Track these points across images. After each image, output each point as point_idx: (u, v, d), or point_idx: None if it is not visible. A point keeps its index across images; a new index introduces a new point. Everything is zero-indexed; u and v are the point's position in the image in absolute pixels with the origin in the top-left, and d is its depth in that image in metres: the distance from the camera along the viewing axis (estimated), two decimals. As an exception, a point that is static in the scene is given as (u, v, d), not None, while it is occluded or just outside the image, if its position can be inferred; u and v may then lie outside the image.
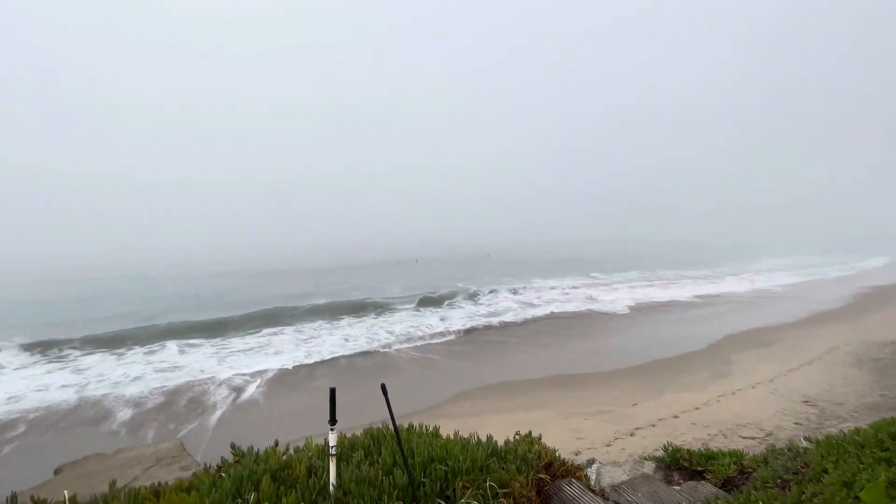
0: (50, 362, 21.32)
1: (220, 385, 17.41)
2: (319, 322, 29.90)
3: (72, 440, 13.11)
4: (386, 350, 22.40)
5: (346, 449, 3.67)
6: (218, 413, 14.85)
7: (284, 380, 18.08)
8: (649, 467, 5.22)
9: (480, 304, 37.15)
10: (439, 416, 13.57)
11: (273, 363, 20.06)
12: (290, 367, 19.51)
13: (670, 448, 5.37)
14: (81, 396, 16.46)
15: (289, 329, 27.95)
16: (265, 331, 27.51)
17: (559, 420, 12.56)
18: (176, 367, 20.01)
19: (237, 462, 3.66)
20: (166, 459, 10.02)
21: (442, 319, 29.81)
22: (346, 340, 24.43)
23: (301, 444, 3.97)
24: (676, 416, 12.57)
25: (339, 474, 3.01)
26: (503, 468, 3.40)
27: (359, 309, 34.36)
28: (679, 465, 5.14)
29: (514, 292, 42.54)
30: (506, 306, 35.30)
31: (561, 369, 17.78)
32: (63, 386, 17.60)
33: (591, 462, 6.03)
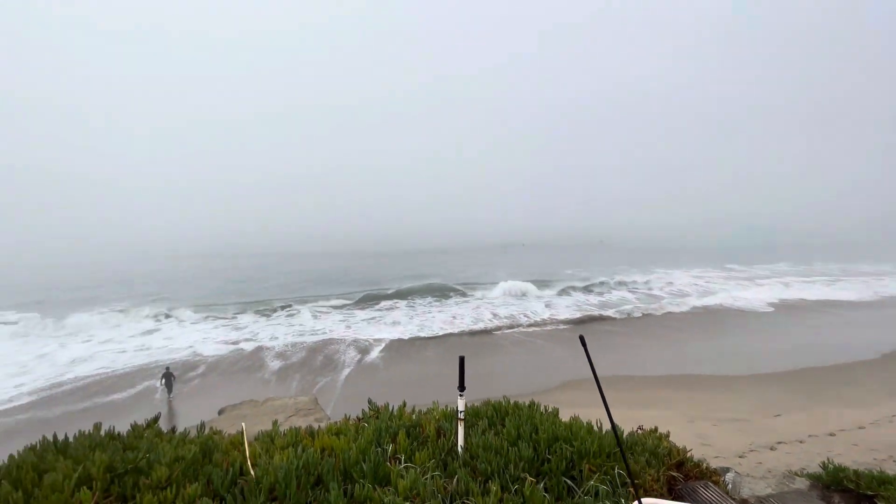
0: (216, 319, 26.06)
1: (348, 346, 19.66)
2: (429, 299, 31.60)
3: (232, 384, 15.87)
4: (493, 331, 22.79)
5: (471, 416, 3.85)
6: (346, 371, 16.73)
7: (401, 349, 19.62)
8: (802, 484, 4.55)
9: (592, 292, 35.45)
10: (546, 402, 13.42)
11: (391, 333, 21.84)
12: (405, 338, 21.07)
13: (831, 466, 4.59)
14: (239, 349, 19.87)
15: (402, 303, 30.12)
16: (383, 304, 30.06)
17: (682, 423, 11.54)
18: (311, 330, 22.96)
19: (374, 416, 4.09)
20: (303, 411, 11.61)
21: (547, 306, 29.23)
22: (454, 318, 25.43)
23: (417, 408, 4.28)
24: (832, 434, 10.69)
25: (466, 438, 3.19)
26: (631, 459, 3.28)
27: (466, 290, 35.45)
28: (841, 486, 4.38)
29: (632, 282, 39.77)
30: (621, 296, 33.19)
31: (685, 368, 16.24)
32: (224, 341, 21.35)
33: (725, 470, 5.46)
